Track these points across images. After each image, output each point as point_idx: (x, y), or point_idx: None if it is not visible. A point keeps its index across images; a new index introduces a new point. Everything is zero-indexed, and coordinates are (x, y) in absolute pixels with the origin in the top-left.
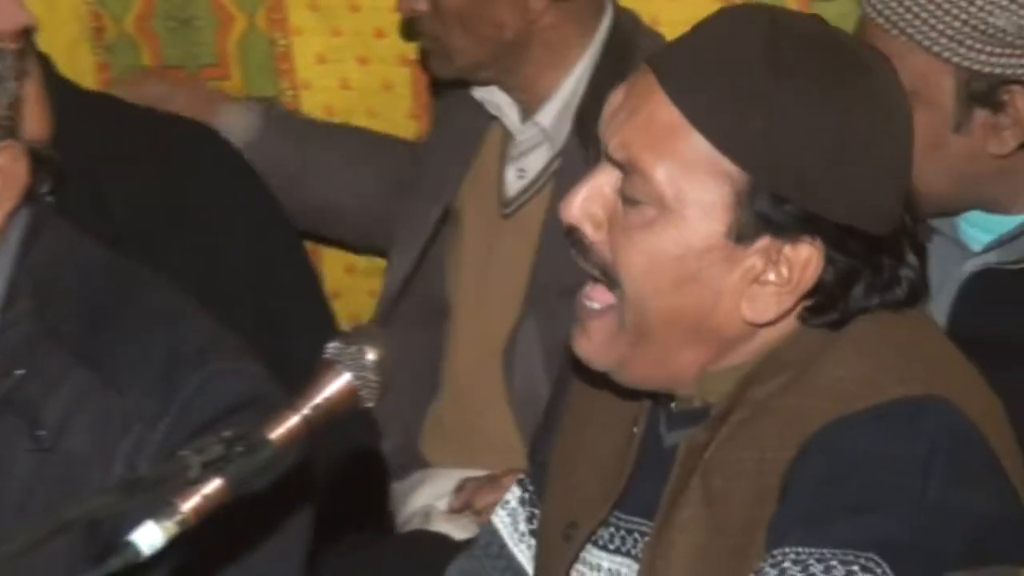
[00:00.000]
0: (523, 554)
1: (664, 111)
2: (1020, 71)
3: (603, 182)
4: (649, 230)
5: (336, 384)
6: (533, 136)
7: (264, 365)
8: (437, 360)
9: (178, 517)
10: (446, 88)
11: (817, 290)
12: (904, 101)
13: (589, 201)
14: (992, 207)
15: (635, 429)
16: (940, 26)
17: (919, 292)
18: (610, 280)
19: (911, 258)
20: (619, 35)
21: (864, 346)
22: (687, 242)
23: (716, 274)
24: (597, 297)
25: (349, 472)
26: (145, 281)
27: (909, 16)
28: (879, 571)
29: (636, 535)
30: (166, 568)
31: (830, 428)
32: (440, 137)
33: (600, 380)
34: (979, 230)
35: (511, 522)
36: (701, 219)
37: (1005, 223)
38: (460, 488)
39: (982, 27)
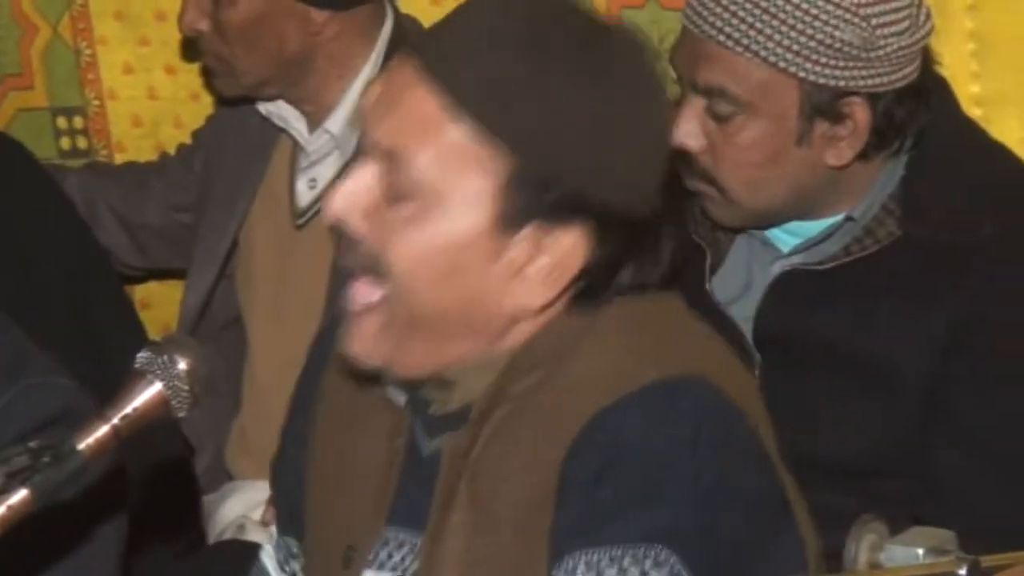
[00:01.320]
0: None
1: (427, 99)
2: (862, 83)
3: (367, 174)
4: (415, 222)
5: (147, 394)
6: (323, 145)
7: (77, 377)
8: (239, 376)
9: None
10: (227, 103)
11: (584, 275)
12: (660, 84)
13: (353, 195)
14: (809, 215)
15: (399, 440)
16: (786, 41)
17: (676, 273)
18: (378, 274)
19: (669, 239)
20: (401, 39)
21: (617, 333)
22: (451, 234)
23: (481, 265)
24: (366, 292)
25: (160, 482)
26: None
27: (752, 32)
28: (671, 561)
29: (408, 548)
30: None
31: (594, 422)
32: (226, 153)
33: (353, 395)
34: (786, 232)
35: (282, 557)
36: (466, 209)
37: (813, 226)
38: (272, 500)
39: (828, 41)
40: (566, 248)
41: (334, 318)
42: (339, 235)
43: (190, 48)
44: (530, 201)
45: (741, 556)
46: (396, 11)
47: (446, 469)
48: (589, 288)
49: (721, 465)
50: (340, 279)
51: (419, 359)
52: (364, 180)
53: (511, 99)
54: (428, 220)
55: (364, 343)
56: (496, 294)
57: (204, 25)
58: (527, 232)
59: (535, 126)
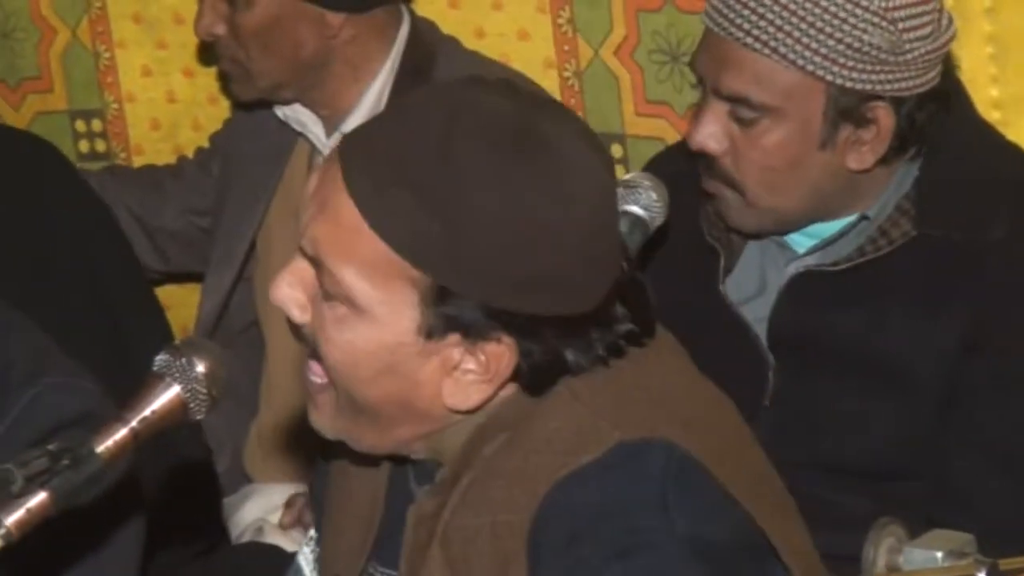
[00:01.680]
0: None
1: (346, 210)
2: (888, 87)
3: (304, 267)
4: (343, 325)
5: (165, 396)
6: None
7: (102, 379)
8: (256, 379)
9: (1, 531)
10: (245, 106)
11: (519, 376)
12: (596, 178)
13: (292, 287)
14: (825, 217)
15: (383, 479)
16: (814, 44)
17: (643, 334)
18: (320, 360)
19: (621, 312)
20: (418, 42)
21: (579, 394)
22: (379, 339)
23: (413, 366)
24: (317, 372)
25: (180, 485)
26: None
27: (780, 35)
28: None
29: None
30: None
31: (560, 488)
32: (243, 157)
33: None
34: (800, 232)
35: (314, 559)
36: (391, 317)
37: (828, 227)
38: (290, 503)
39: (856, 44)
40: (495, 354)
41: None
42: (286, 318)
43: (208, 51)
44: (450, 315)
45: None
46: (413, 14)
47: (412, 531)
48: (531, 382)
49: (692, 519)
50: None
51: (370, 440)
52: (301, 273)
53: (419, 218)
54: (355, 325)
55: (322, 420)
56: (430, 391)
57: (220, 29)
58: (454, 339)
59: (446, 245)
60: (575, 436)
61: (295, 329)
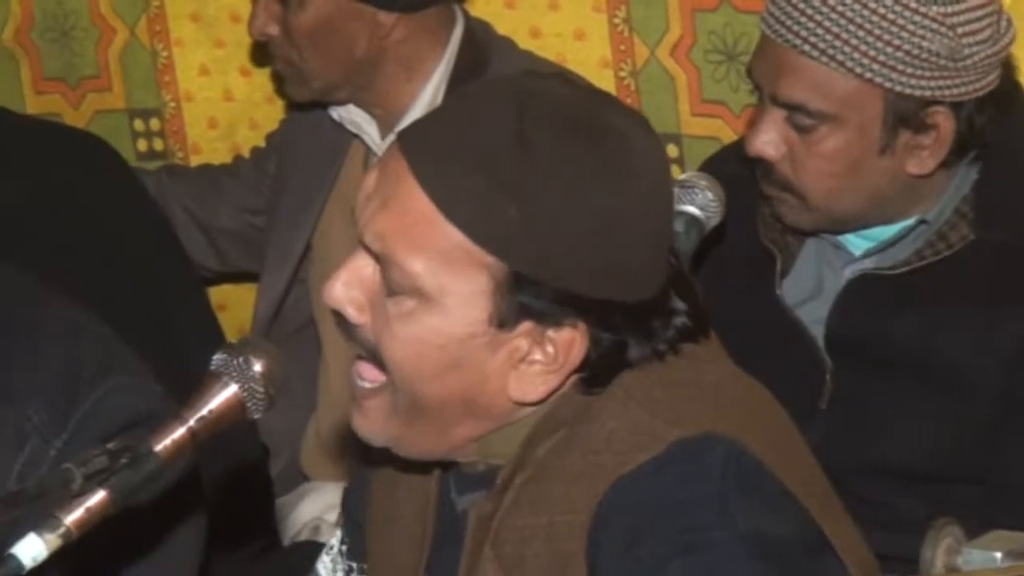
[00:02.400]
0: None
1: (417, 200)
2: (947, 92)
3: (362, 266)
4: (410, 320)
5: (222, 395)
6: None
7: (159, 377)
8: (313, 378)
9: (61, 530)
10: (301, 107)
11: (585, 366)
12: (658, 165)
13: (349, 286)
14: (885, 221)
15: (429, 494)
16: (872, 52)
17: (697, 330)
18: (378, 362)
19: (680, 306)
20: (472, 43)
21: (634, 393)
22: (448, 331)
23: (480, 359)
24: (368, 375)
25: (236, 485)
26: (39, 297)
27: (838, 43)
28: None
29: None
30: None
31: (619, 487)
32: (299, 157)
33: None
34: (858, 235)
35: (332, 568)
36: (461, 308)
37: (886, 230)
38: None
39: (915, 51)
40: (565, 343)
41: None
42: (339, 319)
43: (265, 50)
44: (524, 302)
45: None
46: (467, 14)
47: (472, 533)
48: (593, 376)
49: (752, 517)
50: None
51: (425, 444)
52: (359, 271)
53: (496, 206)
54: (423, 319)
55: (370, 424)
56: (496, 386)
57: (273, 30)
58: (525, 328)
59: (522, 232)
60: (632, 436)
61: (349, 331)
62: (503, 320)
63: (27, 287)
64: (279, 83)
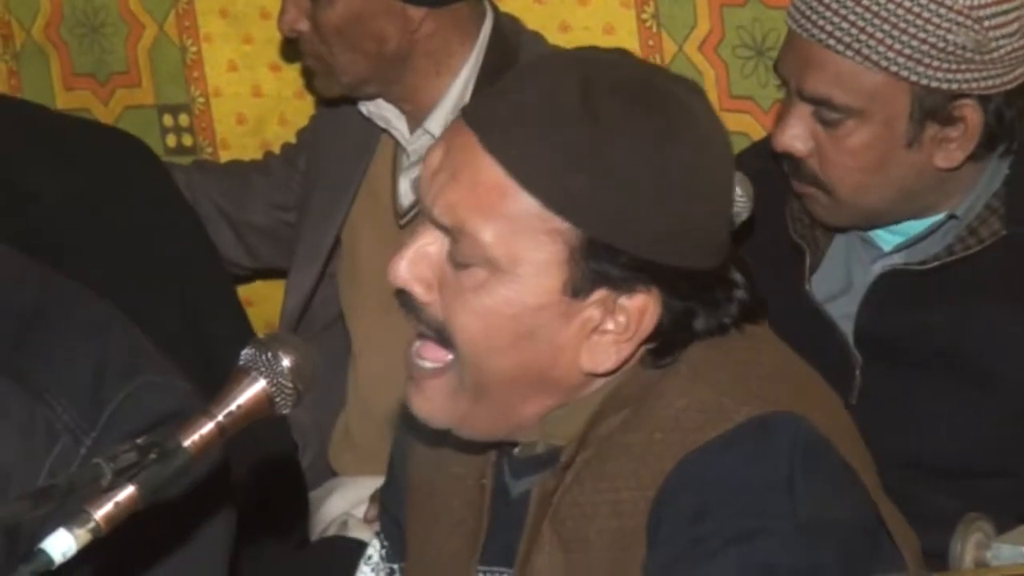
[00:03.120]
0: None
1: (488, 171)
2: (974, 85)
3: (429, 243)
4: (482, 291)
5: (251, 391)
6: (424, 145)
7: (190, 374)
8: (342, 374)
9: (90, 525)
10: (330, 103)
11: (656, 335)
12: (719, 131)
13: (415, 263)
14: (915, 215)
15: (484, 481)
16: (897, 45)
17: (754, 310)
18: (445, 340)
19: (740, 279)
20: (501, 38)
21: (700, 371)
22: (522, 301)
23: (553, 329)
24: (430, 355)
25: (265, 479)
26: (71, 293)
27: (864, 36)
28: None
29: None
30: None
31: (687, 462)
32: (328, 152)
33: (441, 435)
34: (887, 230)
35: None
36: (535, 277)
37: (915, 225)
38: (376, 497)
39: (941, 44)
40: (638, 310)
41: None
42: (403, 299)
43: (294, 46)
44: (598, 269)
45: None
46: (496, 9)
47: (533, 510)
48: (662, 346)
49: (816, 500)
50: None
51: (489, 423)
52: (426, 248)
53: (570, 173)
54: (496, 290)
55: (431, 406)
56: (569, 357)
57: (303, 25)
58: (598, 296)
59: (596, 198)
60: (701, 414)
61: (415, 311)
62: (577, 288)
63: (57, 285)
64: (308, 79)
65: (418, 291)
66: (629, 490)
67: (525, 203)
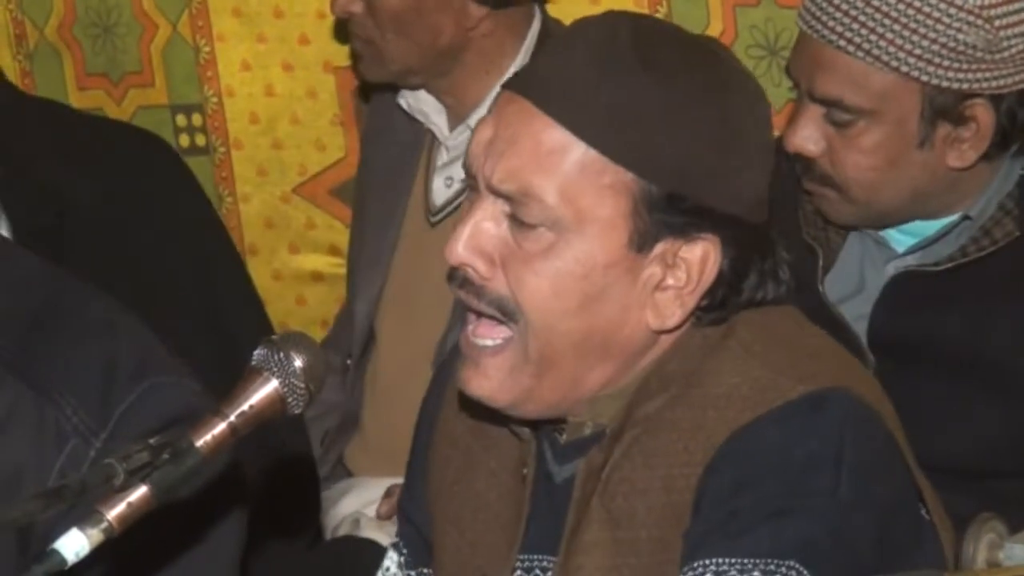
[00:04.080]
0: None
1: (547, 131)
2: (985, 85)
3: (485, 217)
4: (550, 254)
5: (263, 391)
6: (464, 142)
7: (202, 369)
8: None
9: (103, 524)
10: (375, 97)
11: (715, 286)
12: (760, 91)
13: (474, 239)
14: (928, 215)
15: (525, 470)
16: (908, 46)
17: (791, 285)
18: (508, 314)
19: (783, 247)
20: (546, 41)
21: (749, 348)
22: (591, 259)
23: (622, 288)
24: (488, 334)
25: (280, 479)
26: (81, 293)
27: (874, 37)
28: None
29: (538, 571)
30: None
31: (736, 437)
32: (377, 155)
33: (473, 427)
34: (900, 231)
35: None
36: (602, 233)
37: (929, 226)
38: (389, 493)
39: (951, 44)
40: (699, 260)
41: (448, 356)
42: (460, 279)
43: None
44: (661, 218)
45: (882, 566)
46: (544, 13)
47: (580, 486)
48: (716, 303)
49: (862, 476)
50: None
51: (553, 396)
52: (483, 223)
53: (629, 123)
54: (564, 250)
55: (491, 385)
56: (635, 316)
57: (357, 8)
58: (660, 249)
59: (657, 146)
60: (756, 392)
61: (474, 290)
62: (641, 242)
63: (67, 286)
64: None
65: (480, 268)
66: (680, 466)
67: (588, 157)
